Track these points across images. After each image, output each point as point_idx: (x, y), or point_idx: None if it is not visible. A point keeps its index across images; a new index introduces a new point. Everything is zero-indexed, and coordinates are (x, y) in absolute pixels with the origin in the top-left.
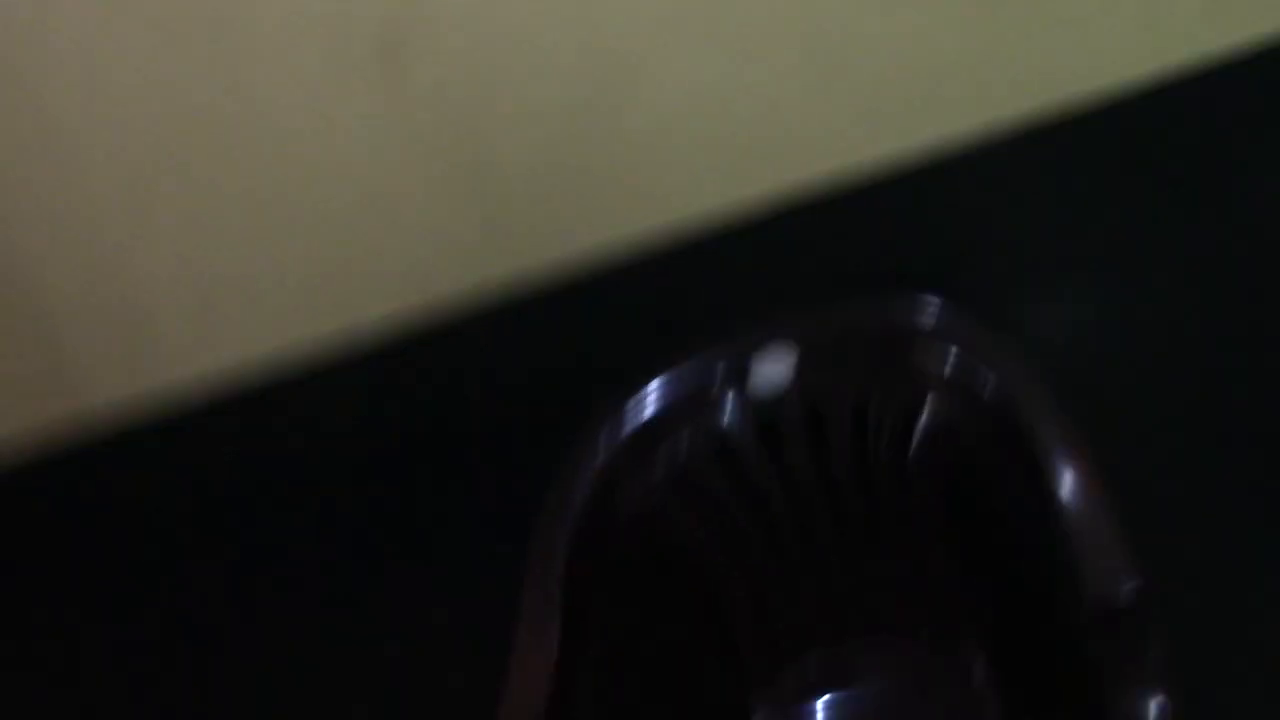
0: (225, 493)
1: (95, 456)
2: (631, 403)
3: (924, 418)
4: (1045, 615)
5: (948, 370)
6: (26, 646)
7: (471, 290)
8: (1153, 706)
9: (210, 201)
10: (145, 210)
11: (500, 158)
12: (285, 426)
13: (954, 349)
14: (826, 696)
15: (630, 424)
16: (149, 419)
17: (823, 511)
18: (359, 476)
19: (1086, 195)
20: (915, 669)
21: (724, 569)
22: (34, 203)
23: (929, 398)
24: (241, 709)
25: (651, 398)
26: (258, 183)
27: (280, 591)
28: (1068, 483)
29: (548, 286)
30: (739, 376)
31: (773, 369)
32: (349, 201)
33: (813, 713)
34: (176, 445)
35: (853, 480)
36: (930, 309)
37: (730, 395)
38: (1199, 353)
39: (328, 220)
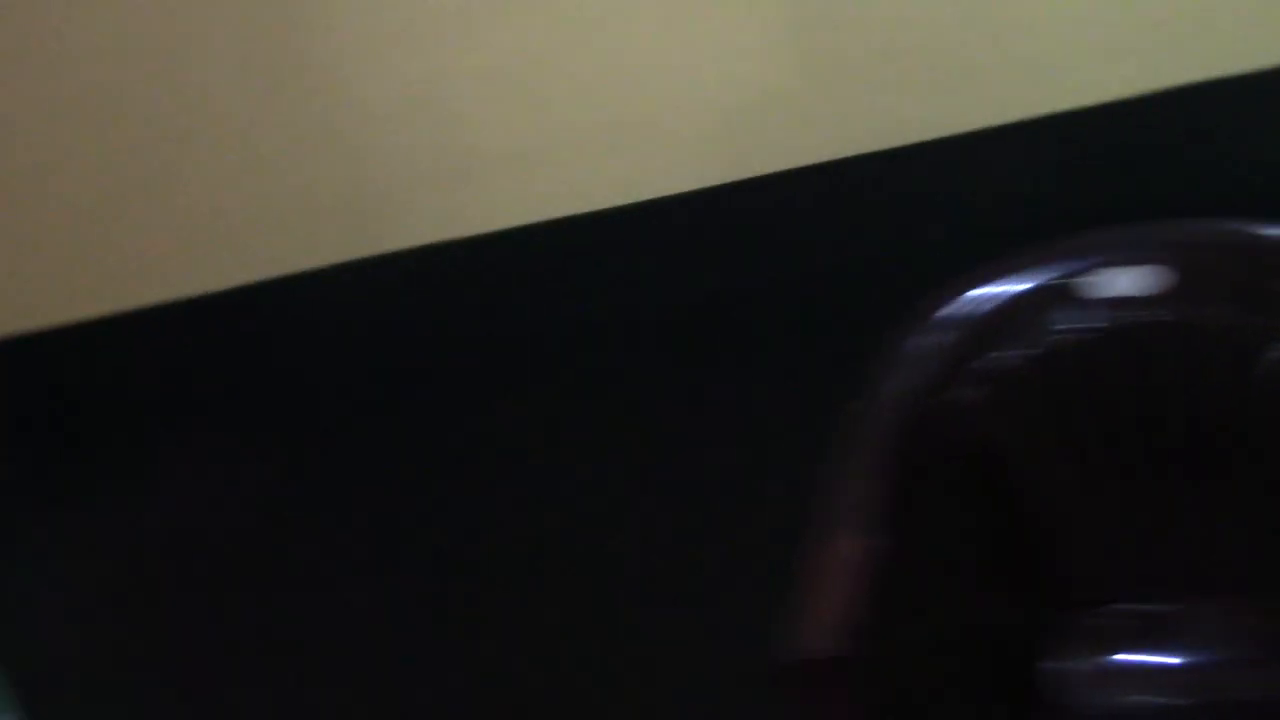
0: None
1: (396, 288)
2: (970, 293)
3: None
4: None
5: None
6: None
7: (793, 152)
8: None
9: (530, 44)
10: (463, 43)
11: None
12: (590, 272)
13: None
14: (1135, 654)
15: (967, 316)
16: (455, 257)
17: (1164, 438)
18: (663, 327)
19: None
20: (1247, 637)
21: (1044, 490)
22: (353, 33)
23: None
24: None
25: (993, 289)
26: (584, 28)
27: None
28: None
29: (877, 158)
30: (1092, 281)
31: (1132, 279)
32: (672, 54)
33: (1117, 668)
34: (479, 283)
35: (1208, 409)
36: None
37: (1080, 300)
38: None
39: (646, 73)
